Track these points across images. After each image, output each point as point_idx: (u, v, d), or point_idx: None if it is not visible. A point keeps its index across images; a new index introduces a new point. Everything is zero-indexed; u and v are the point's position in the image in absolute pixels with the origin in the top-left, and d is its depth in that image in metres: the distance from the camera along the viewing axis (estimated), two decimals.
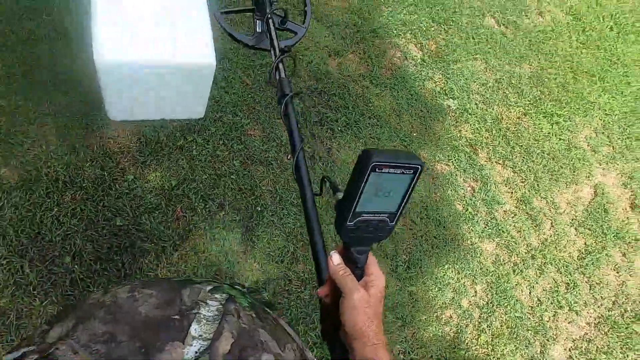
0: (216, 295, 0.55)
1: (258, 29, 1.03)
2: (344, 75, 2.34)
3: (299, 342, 0.68)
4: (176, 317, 0.49)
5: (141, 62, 1.48)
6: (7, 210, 1.57)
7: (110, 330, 0.47)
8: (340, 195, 0.63)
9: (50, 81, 1.77)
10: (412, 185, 0.60)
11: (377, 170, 0.56)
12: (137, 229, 1.72)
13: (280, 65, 0.94)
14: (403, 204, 0.62)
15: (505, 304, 2.20)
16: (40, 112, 1.73)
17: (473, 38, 2.80)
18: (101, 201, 1.70)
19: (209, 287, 0.57)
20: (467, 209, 2.34)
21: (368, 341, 0.60)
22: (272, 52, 0.98)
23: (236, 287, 0.64)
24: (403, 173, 0.58)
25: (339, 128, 2.21)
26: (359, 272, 0.65)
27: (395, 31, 2.59)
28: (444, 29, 2.75)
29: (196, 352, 0.47)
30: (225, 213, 1.88)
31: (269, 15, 1.03)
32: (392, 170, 0.57)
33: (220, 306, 0.53)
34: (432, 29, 2.71)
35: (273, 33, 1.01)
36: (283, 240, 1.92)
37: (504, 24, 2.96)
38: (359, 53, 2.44)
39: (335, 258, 0.64)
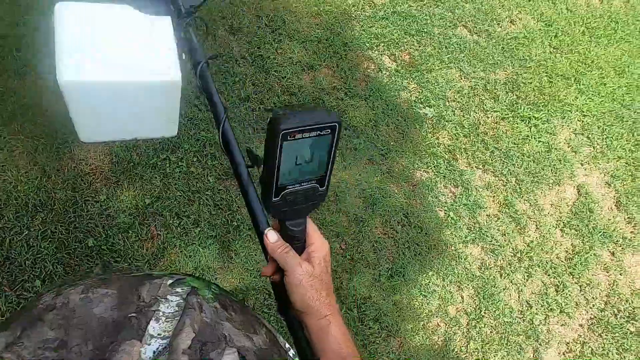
0: (177, 289, 0.54)
1: None
2: (317, 89, 2.36)
3: (269, 327, 0.65)
4: (133, 315, 0.48)
5: (104, 80, 1.49)
6: None
7: (60, 335, 0.45)
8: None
9: (19, 111, 1.78)
10: (333, 144, 0.55)
11: (289, 138, 0.50)
12: (110, 249, 1.70)
13: (190, 30, 0.83)
14: (329, 166, 0.57)
15: (494, 309, 2.16)
16: (9, 138, 1.73)
17: (446, 47, 2.85)
18: (72, 223, 1.68)
19: (170, 281, 0.55)
20: (449, 215, 2.32)
21: (319, 314, 0.59)
22: (176, 14, 0.85)
23: (199, 278, 0.62)
24: (320, 135, 0.53)
25: None
26: (300, 244, 0.62)
27: (367, 44, 2.63)
28: (417, 40, 2.80)
29: (154, 352, 0.45)
30: (201, 229, 1.86)
31: None
32: (306, 134, 0.51)
33: (182, 300, 0.51)
34: (405, 40, 2.76)
35: None
36: (261, 254, 1.90)
37: (476, 33, 3.02)
38: (333, 67, 2.47)
39: (272, 236, 0.60)
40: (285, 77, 2.31)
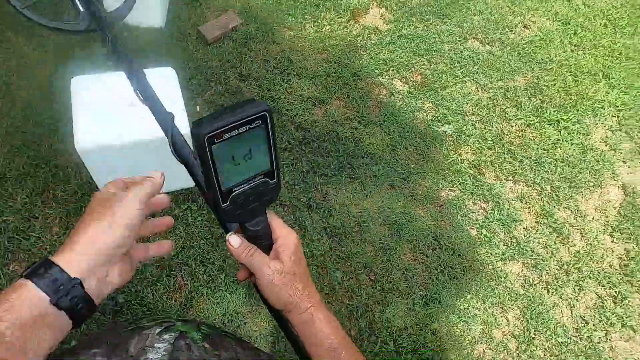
0: (165, 336, 0.55)
1: (81, 8, 0.82)
2: (330, 121, 2.38)
3: (265, 356, 0.64)
4: None
5: (117, 143, 1.58)
6: None
7: None
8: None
9: (50, 179, 1.91)
10: (269, 133, 0.51)
11: (216, 140, 0.47)
12: (139, 303, 1.74)
13: (114, 41, 0.78)
14: (273, 156, 0.54)
15: (545, 330, 2.00)
16: (43, 207, 1.85)
17: (458, 62, 2.81)
18: None
19: (158, 329, 0.56)
20: (482, 232, 2.21)
21: (299, 309, 0.57)
22: (103, 28, 0.80)
23: (189, 321, 0.63)
24: (250, 128, 0.49)
25: (332, 172, 2.21)
26: (266, 242, 0.59)
27: (377, 71, 2.64)
28: (427, 59, 2.78)
29: None
30: (227, 275, 1.87)
31: None
32: (234, 131, 0.48)
33: (169, 346, 0.52)
34: (415, 61, 2.75)
35: (94, 5, 0.82)
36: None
37: (488, 43, 2.96)
38: (344, 98, 2.49)
39: (234, 241, 0.57)
40: (297, 114, 2.35)
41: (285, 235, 0.59)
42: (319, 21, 2.77)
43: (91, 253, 0.47)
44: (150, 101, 0.72)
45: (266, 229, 0.59)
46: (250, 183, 0.53)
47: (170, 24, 2.48)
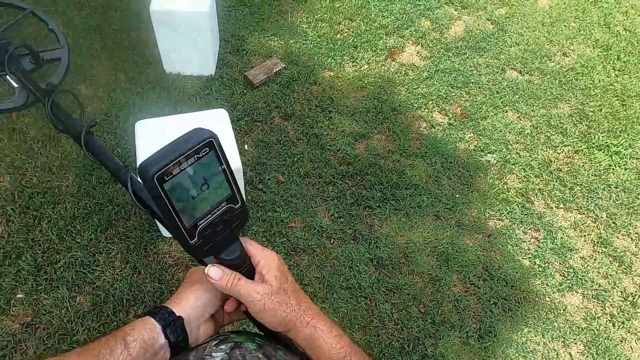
0: (222, 347, 0.57)
1: (15, 85, 0.83)
2: (372, 155, 2.43)
3: None
4: None
5: None
6: (82, 334, 1.74)
7: None
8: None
9: (113, 217, 2.05)
10: (220, 159, 0.50)
11: (166, 178, 0.46)
12: None
13: (55, 108, 0.79)
14: (230, 181, 0.52)
15: None
16: (107, 243, 1.98)
17: (497, 92, 2.82)
18: None
19: (214, 342, 0.60)
20: (535, 262, 2.13)
21: (300, 324, 0.56)
22: (39, 98, 0.81)
23: (243, 333, 0.65)
24: (199, 157, 0.48)
25: (377, 204, 2.24)
26: (246, 268, 0.57)
27: (416, 104, 2.70)
28: (465, 91, 2.81)
29: None
30: None
31: (8, 60, 0.82)
32: (183, 164, 0.47)
33: (225, 355, 0.54)
34: (453, 94, 2.79)
35: (27, 78, 0.82)
36: (338, 326, 1.87)
37: (527, 73, 2.97)
38: (385, 131, 2.55)
39: (214, 273, 0.55)
40: (340, 149, 2.43)
41: (265, 256, 0.58)
42: (358, 61, 2.89)
43: (188, 307, 0.59)
44: (101, 157, 0.73)
45: (243, 256, 0.57)
46: (214, 212, 0.52)
47: (219, 71, 2.68)
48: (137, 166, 0.49)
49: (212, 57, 2.60)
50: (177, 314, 0.57)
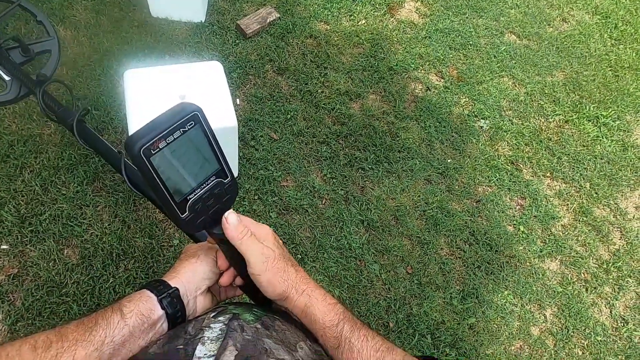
0: (220, 318, 0.58)
1: (6, 78, 0.84)
2: (367, 115, 2.39)
3: (312, 337, 0.66)
4: (181, 347, 0.53)
5: None
6: (71, 287, 1.72)
7: None
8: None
9: (100, 169, 1.98)
10: (207, 132, 0.50)
11: (153, 151, 0.46)
12: None
13: (47, 98, 0.80)
14: (218, 155, 0.52)
15: (583, 328, 1.99)
16: (94, 196, 1.92)
17: (495, 57, 2.78)
18: (151, 268, 1.81)
19: (213, 313, 0.60)
20: (519, 229, 2.20)
21: (297, 292, 0.57)
22: (31, 90, 0.82)
23: (241, 304, 0.66)
24: (185, 131, 0.48)
25: (369, 166, 2.23)
26: None
27: (412, 65, 2.64)
28: (463, 53, 2.76)
29: None
30: None
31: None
32: (169, 138, 0.47)
33: (224, 326, 0.55)
34: (450, 56, 2.73)
35: (18, 70, 0.84)
36: (327, 284, 1.91)
37: (525, 37, 2.92)
38: (380, 92, 2.50)
39: (232, 218, 0.55)
40: (334, 108, 2.37)
41: (259, 230, 0.58)
42: (355, 15, 2.77)
43: (185, 279, 0.60)
44: (94, 144, 0.73)
45: None
46: (204, 187, 0.52)
47: (210, 18, 2.52)
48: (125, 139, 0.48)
49: (202, 2, 2.44)
50: (173, 286, 0.58)
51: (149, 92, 1.67)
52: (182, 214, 0.51)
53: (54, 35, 0.95)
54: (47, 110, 0.81)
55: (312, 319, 0.57)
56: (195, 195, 0.51)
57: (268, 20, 2.56)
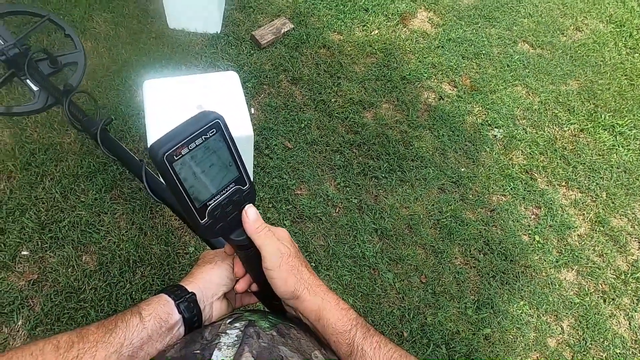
0: (236, 324, 0.58)
1: (35, 88, 0.86)
2: (380, 124, 2.40)
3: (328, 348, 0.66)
4: (197, 351, 0.53)
5: None
6: (89, 293, 1.75)
7: None
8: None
9: (118, 177, 2.02)
10: (227, 140, 0.51)
11: (175, 158, 0.47)
12: None
13: (73, 108, 0.83)
14: (238, 162, 0.53)
15: (602, 340, 1.95)
16: (112, 203, 1.96)
17: (508, 66, 2.78)
18: (167, 274, 1.83)
19: (229, 320, 0.60)
20: (535, 238, 2.18)
21: (309, 293, 0.56)
22: (58, 99, 0.85)
23: (257, 311, 0.66)
24: (207, 138, 0.49)
25: (383, 175, 2.24)
26: (255, 249, 0.59)
27: (425, 74, 2.65)
28: (476, 63, 2.76)
29: None
30: None
31: (28, 65, 0.85)
32: (192, 145, 0.48)
33: (240, 332, 0.55)
34: (463, 65, 2.73)
35: (46, 81, 0.86)
36: (341, 293, 1.91)
37: (539, 46, 2.91)
38: (393, 101, 2.51)
39: (252, 212, 0.56)
40: (347, 117, 2.39)
41: (278, 229, 0.59)
42: (368, 25, 2.80)
43: (201, 284, 0.61)
44: (117, 153, 0.75)
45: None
46: (223, 193, 0.53)
47: (225, 29, 2.57)
48: (148, 146, 0.50)
49: (219, 14, 2.49)
50: (190, 291, 0.59)
51: (167, 101, 1.71)
52: (201, 220, 0.52)
53: (80, 48, 0.98)
54: (72, 119, 0.84)
55: (325, 323, 0.56)
56: (214, 201, 0.52)
57: (282, 31, 2.59)
